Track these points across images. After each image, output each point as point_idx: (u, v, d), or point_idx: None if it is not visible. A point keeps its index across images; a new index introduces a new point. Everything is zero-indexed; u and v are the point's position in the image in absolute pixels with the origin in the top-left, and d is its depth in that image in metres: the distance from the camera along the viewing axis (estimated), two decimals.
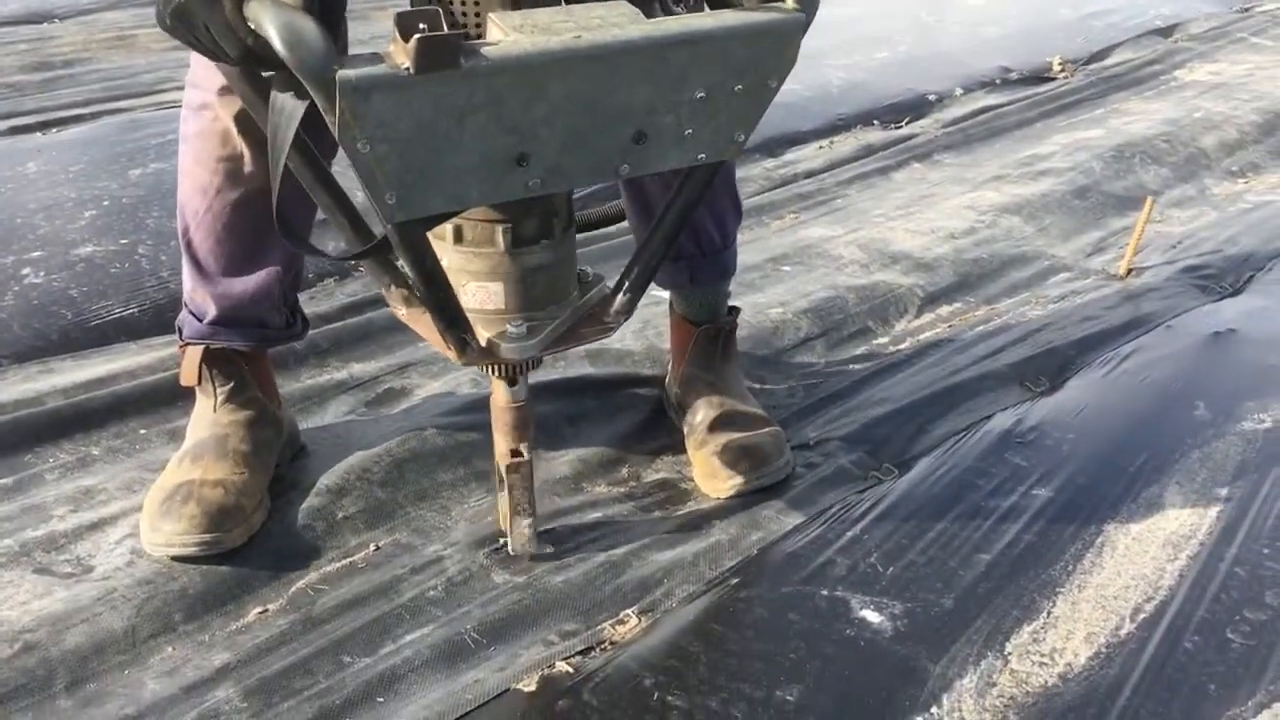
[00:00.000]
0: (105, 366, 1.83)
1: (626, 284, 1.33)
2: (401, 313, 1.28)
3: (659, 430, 1.72)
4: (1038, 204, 2.59)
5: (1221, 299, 2.15)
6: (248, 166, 1.38)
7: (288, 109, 1.03)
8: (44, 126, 2.78)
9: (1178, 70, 3.73)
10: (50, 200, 2.34)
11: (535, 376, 1.37)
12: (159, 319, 1.96)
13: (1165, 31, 4.13)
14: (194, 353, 1.49)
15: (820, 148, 2.93)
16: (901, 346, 2.00)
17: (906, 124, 3.14)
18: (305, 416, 1.71)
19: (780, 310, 2.05)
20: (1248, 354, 1.95)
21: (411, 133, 0.96)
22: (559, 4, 1.11)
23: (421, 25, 0.93)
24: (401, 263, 1.21)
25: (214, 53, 1.02)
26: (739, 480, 1.55)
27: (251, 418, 1.50)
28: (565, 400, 1.76)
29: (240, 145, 1.37)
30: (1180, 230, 2.50)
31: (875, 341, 2.02)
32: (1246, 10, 4.53)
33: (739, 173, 2.57)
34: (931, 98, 3.31)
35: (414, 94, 0.93)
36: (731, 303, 1.73)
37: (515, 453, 1.33)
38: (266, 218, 1.19)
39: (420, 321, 1.25)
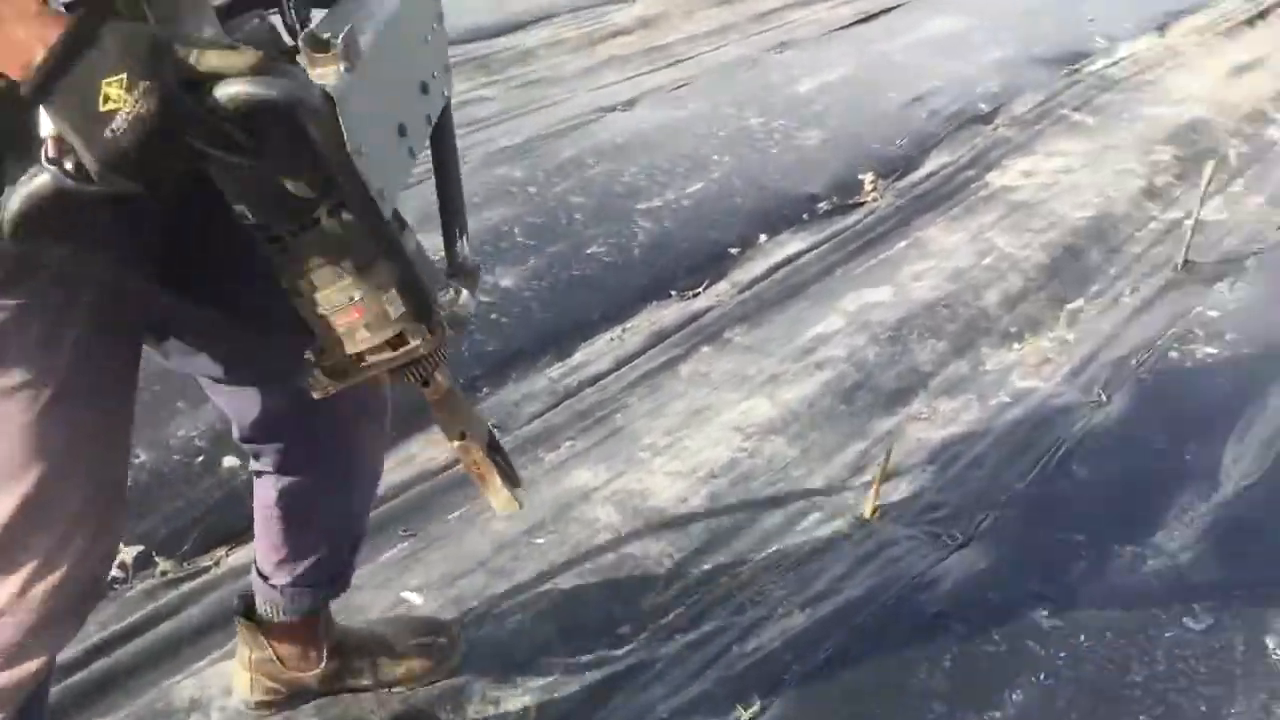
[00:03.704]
0: None
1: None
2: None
3: None
4: (805, 416, 2.66)
5: (949, 554, 2.25)
6: None
7: None
8: None
9: (990, 173, 3.80)
10: None
11: None
12: None
13: (987, 117, 4.18)
14: None
15: (611, 340, 2.97)
16: (642, 657, 2.05)
17: (704, 290, 3.19)
18: None
19: (519, 618, 2.12)
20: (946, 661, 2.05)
21: None
22: None
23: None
24: None
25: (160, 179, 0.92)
26: None
27: None
28: None
29: None
30: (940, 436, 2.59)
31: (612, 652, 2.05)
32: (1075, 70, 4.58)
33: (522, 389, 2.64)
34: (734, 250, 3.36)
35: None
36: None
37: (461, 435, 1.34)
38: None
39: None
